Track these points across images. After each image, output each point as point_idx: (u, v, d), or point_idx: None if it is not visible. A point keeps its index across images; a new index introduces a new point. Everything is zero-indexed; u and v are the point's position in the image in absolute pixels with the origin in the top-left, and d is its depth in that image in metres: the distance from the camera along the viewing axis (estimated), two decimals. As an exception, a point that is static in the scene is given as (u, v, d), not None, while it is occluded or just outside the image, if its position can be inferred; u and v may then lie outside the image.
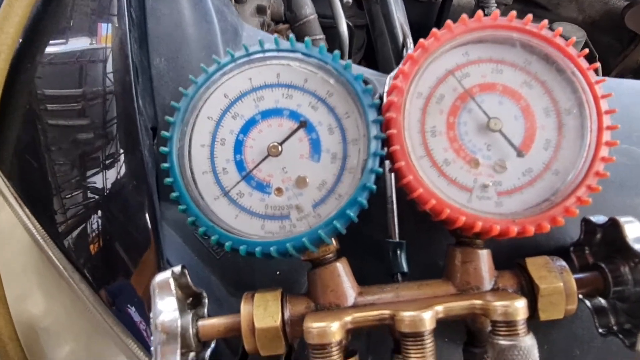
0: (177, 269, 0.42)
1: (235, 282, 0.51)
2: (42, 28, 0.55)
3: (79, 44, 0.54)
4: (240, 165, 0.41)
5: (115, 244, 0.51)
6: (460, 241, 0.42)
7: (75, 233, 0.52)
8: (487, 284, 0.40)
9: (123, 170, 0.50)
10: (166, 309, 0.38)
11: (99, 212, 0.51)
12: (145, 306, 0.49)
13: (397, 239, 0.47)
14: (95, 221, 0.51)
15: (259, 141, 0.41)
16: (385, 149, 0.40)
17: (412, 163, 0.39)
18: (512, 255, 0.43)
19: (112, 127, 0.51)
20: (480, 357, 0.40)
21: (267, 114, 0.42)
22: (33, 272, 0.62)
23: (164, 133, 0.42)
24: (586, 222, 0.45)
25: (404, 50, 0.63)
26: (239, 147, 0.42)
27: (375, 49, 0.83)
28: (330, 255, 0.41)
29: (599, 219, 0.43)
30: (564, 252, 0.46)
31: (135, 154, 0.50)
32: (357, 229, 0.47)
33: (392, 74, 0.50)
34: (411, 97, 0.41)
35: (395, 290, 0.41)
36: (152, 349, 0.38)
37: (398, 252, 0.45)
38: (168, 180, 0.41)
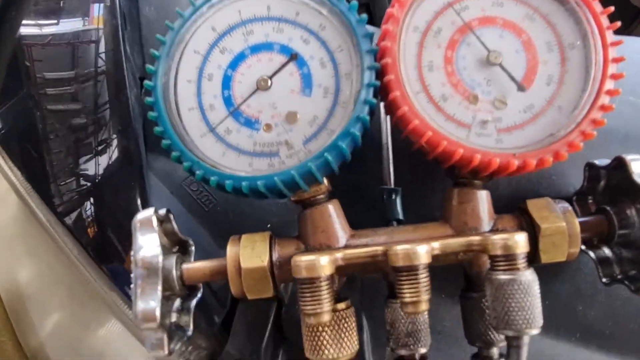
0: (162, 210, 0.40)
1: (225, 235, 0.48)
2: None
3: None
4: (228, 101, 0.39)
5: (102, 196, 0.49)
6: (458, 182, 0.40)
7: (63, 189, 0.50)
8: (486, 226, 0.38)
9: (109, 117, 0.48)
10: (147, 244, 0.36)
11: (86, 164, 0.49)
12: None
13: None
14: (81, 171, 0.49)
15: (248, 76, 0.39)
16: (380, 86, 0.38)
17: (408, 94, 0.37)
18: (513, 205, 0.41)
19: (101, 73, 0.50)
20: (478, 301, 0.38)
21: (256, 49, 0.40)
22: (21, 237, 0.61)
23: (149, 67, 0.40)
24: (590, 167, 0.43)
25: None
26: (227, 82, 0.40)
27: (373, 15, 0.82)
28: (322, 196, 0.39)
29: (603, 161, 0.41)
30: (566, 202, 0.44)
31: (121, 98, 0.48)
32: (352, 178, 0.45)
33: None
34: (407, 29, 0.39)
35: (389, 233, 0.39)
36: (131, 286, 0.36)
37: (393, 197, 0.43)
38: (152, 114, 0.39)
